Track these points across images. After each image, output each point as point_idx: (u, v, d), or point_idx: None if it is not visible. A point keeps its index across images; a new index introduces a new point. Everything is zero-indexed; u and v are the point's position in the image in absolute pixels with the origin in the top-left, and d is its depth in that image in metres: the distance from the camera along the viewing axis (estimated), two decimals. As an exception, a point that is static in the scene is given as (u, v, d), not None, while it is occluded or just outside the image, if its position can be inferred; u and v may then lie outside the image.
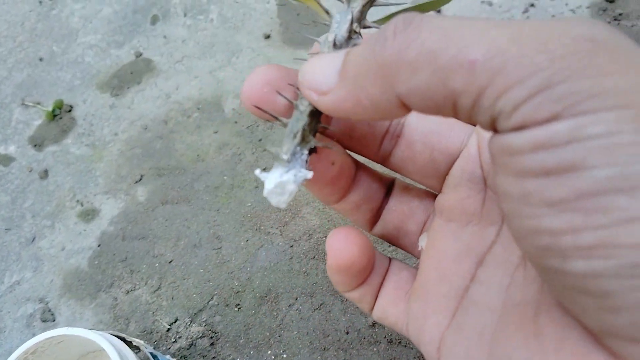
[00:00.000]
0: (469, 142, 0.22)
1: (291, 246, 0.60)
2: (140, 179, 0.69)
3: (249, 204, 0.64)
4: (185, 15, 0.83)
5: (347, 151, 0.23)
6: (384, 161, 0.23)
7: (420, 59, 0.14)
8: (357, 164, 0.23)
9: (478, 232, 0.21)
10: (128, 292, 0.60)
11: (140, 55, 0.80)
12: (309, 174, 0.19)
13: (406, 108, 0.15)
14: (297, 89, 0.18)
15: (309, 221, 0.62)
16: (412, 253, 0.25)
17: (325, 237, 0.60)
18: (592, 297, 0.13)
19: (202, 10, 0.83)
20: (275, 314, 0.56)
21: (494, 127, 0.14)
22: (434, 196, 0.24)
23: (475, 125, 0.22)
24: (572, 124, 0.12)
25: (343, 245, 0.20)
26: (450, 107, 0.14)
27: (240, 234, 0.62)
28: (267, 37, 0.79)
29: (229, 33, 0.80)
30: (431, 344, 0.20)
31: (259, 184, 0.65)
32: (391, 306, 0.23)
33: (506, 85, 0.13)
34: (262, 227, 0.62)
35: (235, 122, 0.71)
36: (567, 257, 0.12)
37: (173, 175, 0.68)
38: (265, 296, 0.57)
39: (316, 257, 0.59)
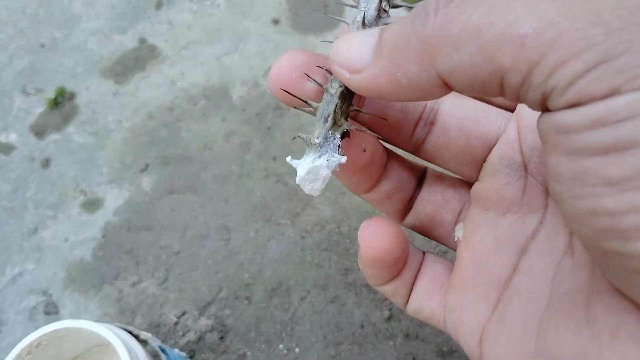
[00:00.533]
0: (507, 127, 0.21)
1: (303, 237, 0.58)
2: (146, 168, 0.67)
3: (259, 194, 0.62)
4: (190, 0, 0.81)
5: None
6: (417, 150, 0.22)
7: (465, 34, 0.13)
8: (388, 152, 0.23)
9: (518, 220, 0.20)
10: (134, 284, 0.58)
11: (145, 41, 0.78)
12: (343, 159, 0.18)
13: (446, 87, 0.15)
14: (327, 72, 0.18)
15: (321, 212, 0.60)
16: (447, 244, 0.24)
17: (338, 228, 0.58)
18: None
19: (208, -5, 0.81)
20: (287, 307, 0.54)
21: (544, 106, 0.13)
22: (468, 185, 0.23)
23: (517, 105, 0.21)
24: (632, 99, 0.11)
25: (376, 236, 0.20)
26: (496, 84, 0.14)
27: (250, 225, 0.60)
28: (276, 22, 0.76)
29: (236, 18, 0.78)
30: (471, 337, 0.20)
31: (269, 174, 0.63)
32: (426, 300, 0.22)
33: (560, 60, 0.12)
34: (273, 218, 0.60)
35: (243, 110, 0.69)
36: (628, 239, 0.12)
37: (179, 164, 0.66)
38: (277, 289, 0.56)
39: (328, 248, 0.57)
